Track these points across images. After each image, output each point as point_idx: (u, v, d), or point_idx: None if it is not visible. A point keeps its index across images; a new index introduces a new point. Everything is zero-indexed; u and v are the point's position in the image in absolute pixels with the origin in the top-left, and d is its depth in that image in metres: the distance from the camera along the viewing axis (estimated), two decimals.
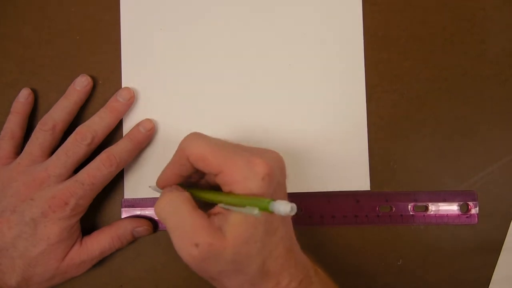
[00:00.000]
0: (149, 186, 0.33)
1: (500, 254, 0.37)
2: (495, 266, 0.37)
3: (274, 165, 0.27)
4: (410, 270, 0.37)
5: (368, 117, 0.37)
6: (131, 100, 0.37)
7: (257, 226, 0.26)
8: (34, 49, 0.38)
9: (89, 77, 0.37)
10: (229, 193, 0.27)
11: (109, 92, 0.37)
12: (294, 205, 0.24)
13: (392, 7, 0.38)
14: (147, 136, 0.36)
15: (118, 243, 0.36)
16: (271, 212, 0.24)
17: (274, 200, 0.25)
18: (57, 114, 0.35)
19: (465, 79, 0.38)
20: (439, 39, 0.38)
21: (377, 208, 0.37)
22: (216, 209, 0.28)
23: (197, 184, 0.32)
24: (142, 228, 0.36)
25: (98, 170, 0.33)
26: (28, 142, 0.35)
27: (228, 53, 0.38)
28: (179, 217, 0.27)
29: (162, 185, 0.31)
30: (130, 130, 0.36)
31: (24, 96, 0.37)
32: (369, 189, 0.37)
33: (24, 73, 0.38)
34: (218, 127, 0.37)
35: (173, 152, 0.38)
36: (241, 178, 0.26)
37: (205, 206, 0.28)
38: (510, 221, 0.37)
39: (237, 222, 0.26)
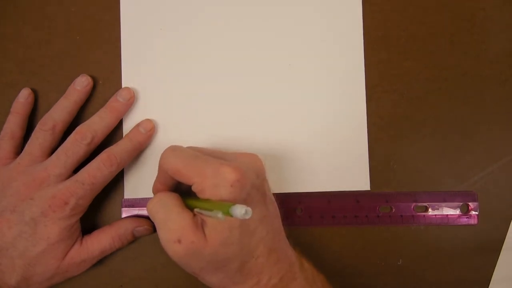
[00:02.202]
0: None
1: (500, 254, 0.37)
2: (495, 266, 0.37)
3: (247, 170, 0.29)
4: (410, 270, 0.37)
5: (368, 117, 0.37)
6: (131, 100, 0.37)
7: (232, 230, 0.28)
8: (34, 49, 0.38)
9: (89, 77, 0.37)
10: (203, 199, 0.29)
11: (109, 92, 0.37)
12: (249, 209, 0.25)
13: (392, 7, 0.38)
14: (147, 136, 0.36)
15: (119, 243, 0.36)
16: (231, 216, 0.25)
17: (233, 204, 0.26)
18: (57, 114, 0.35)
19: (465, 79, 0.38)
20: (439, 39, 0.38)
21: (377, 209, 0.37)
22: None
23: (188, 191, 0.32)
24: (143, 228, 0.36)
25: (99, 170, 0.33)
26: (28, 142, 0.35)
27: (228, 53, 0.38)
28: (167, 214, 0.29)
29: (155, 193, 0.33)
30: (130, 131, 0.36)
31: (24, 96, 0.37)
32: (369, 189, 0.37)
33: (24, 73, 0.38)
34: (218, 127, 0.37)
35: None
36: (211, 186, 0.28)
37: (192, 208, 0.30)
38: (510, 221, 0.37)
39: (213, 225, 0.28)
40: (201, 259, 0.28)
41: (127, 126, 0.37)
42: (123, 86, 0.38)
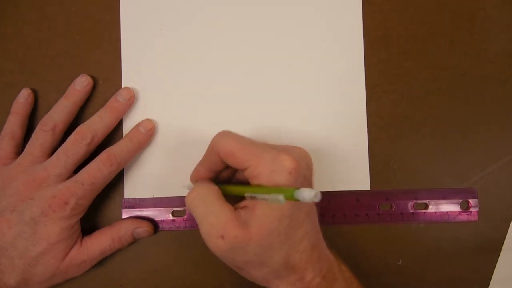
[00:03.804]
0: (183, 186, 0.33)
1: (500, 254, 0.37)
2: (495, 266, 0.37)
3: (301, 161, 0.29)
4: (410, 270, 0.37)
5: (368, 117, 0.37)
6: (131, 100, 0.37)
7: (282, 220, 0.28)
8: (34, 49, 0.38)
9: (89, 77, 0.37)
10: (256, 185, 0.28)
11: (109, 92, 0.37)
12: (318, 192, 0.25)
13: (392, 7, 0.38)
14: (147, 136, 0.36)
15: (119, 244, 0.36)
16: (296, 200, 0.25)
17: (298, 188, 0.25)
18: (57, 114, 0.35)
19: (465, 79, 0.38)
20: (439, 39, 0.38)
21: (378, 207, 0.37)
22: (243, 203, 0.29)
23: (228, 180, 0.33)
24: (143, 229, 0.36)
25: (99, 170, 0.33)
26: (29, 143, 0.35)
27: (228, 53, 0.38)
28: (208, 208, 0.29)
29: (194, 180, 0.32)
30: (130, 131, 0.36)
31: (24, 96, 0.37)
32: (369, 189, 0.37)
33: (24, 73, 0.38)
34: (218, 127, 0.37)
35: (173, 152, 0.38)
36: (268, 171, 0.28)
37: (233, 201, 0.29)
38: (510, 221, 0.37)
39: (263, 213, 0.28)
40: (245, 252, 0.28)
41: (127, 126, 0.37)
42: (123, 86, 0.38)
